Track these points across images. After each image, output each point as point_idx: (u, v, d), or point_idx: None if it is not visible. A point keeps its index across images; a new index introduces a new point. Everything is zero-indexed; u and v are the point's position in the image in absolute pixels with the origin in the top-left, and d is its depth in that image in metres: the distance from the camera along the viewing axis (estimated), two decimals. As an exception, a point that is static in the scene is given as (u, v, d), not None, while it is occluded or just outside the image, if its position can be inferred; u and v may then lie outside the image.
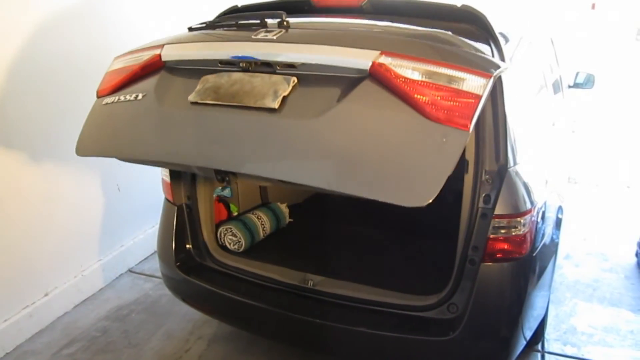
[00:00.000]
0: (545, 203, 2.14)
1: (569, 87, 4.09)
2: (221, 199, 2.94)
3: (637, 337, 2.87)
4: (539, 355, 2.73)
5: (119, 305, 3.25)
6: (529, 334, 2.15)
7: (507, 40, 2.12)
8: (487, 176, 1.89)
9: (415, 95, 1.53)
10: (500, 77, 1.84)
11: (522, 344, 2.10)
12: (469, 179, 1.94)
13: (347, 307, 2.17)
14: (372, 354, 2.14)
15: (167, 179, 2.54)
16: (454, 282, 1.98)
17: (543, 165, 2.34)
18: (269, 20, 1.98)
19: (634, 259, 3.74)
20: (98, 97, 2.09)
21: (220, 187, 2.89)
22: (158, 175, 2.64)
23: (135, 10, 3.49)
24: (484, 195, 1.89)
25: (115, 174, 3.48)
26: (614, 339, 2.85)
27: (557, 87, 3.42)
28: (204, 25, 2.21)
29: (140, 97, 1.94)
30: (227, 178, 1.87)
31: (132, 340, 2.91)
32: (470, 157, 1.94)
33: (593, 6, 5.76)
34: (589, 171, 5.57)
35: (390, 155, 1.53)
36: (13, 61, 2.70)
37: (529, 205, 1.91)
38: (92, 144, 2.02)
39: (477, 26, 1.95)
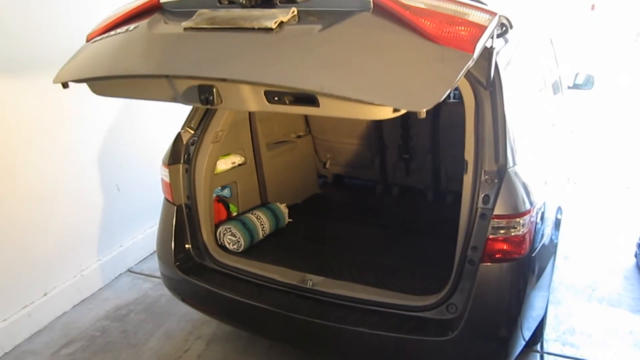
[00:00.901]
0: (544, 203, 2.14)
1: (569, 88, 4.09)
2: (220, 199, 2.94)
3: (636, 337, 2.87)
4: (538, 355, 2.73)
5: (118, 305, 3.25)
6: (528, 334, 2.15)
7: (506, 41, 2.12)
8: (487, 176, 1.89)
9: (421, 21, 1.50)
10: (500, 78, 1.85)
11: (521, 344, 2.09)
12: (468, 179, 1.95)
13: (346, 307, 2.17)
14: (371, 354, 2.14)
15: (167, 179, 2.55)
16: (453, 282, 1.98)
17: (542, 166, 2.34)
18: None
19: (633, 260, 3.74)
20: (87, 41, 2.02)
21: (219, 187, 2.90)
22: (157, 175, 2.64)
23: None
24: (483, 195, 1.89)
25: (115, 173, 3.48)
26: (613, 339, 2.85)
27: (556, 87, 3.42)
28: None
29: (131, 29, 1.89)
30: (211, 98, 1.74)
31: (131, 340, 2.91)
32: (469, 157, 1.94)
33: (593, 7, 5.76)
34: (588, 171, 5.57)
35: (391, 65, 1.49)
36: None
37: (528, 206, 1.91)
38: (70, 71, 1.92)
39: None
